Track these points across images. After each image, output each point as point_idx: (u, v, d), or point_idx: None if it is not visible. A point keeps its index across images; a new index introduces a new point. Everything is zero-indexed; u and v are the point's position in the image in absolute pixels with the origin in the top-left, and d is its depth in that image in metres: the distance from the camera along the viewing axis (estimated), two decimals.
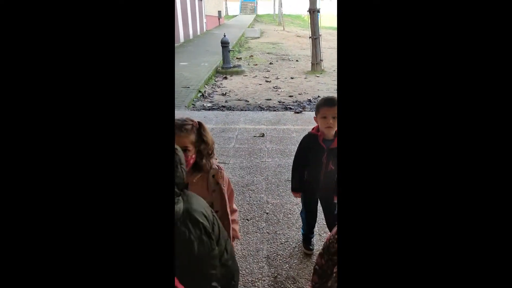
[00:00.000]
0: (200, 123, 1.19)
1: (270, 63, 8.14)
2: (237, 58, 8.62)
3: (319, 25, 7.24)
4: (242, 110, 4.69)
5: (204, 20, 14.90)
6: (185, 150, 1.08)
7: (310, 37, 7.33)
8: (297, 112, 4.44)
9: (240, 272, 1.75)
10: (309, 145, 1.63)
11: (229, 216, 1.30)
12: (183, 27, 11.46)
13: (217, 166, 1.26)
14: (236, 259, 1.84)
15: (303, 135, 1.72)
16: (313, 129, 1.65)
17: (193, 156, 1.14)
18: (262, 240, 1.99)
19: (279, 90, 5.78)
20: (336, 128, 1.52)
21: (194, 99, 5.22)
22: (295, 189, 1.76)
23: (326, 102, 1.53)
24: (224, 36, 6.88)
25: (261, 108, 4.82)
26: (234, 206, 1.42)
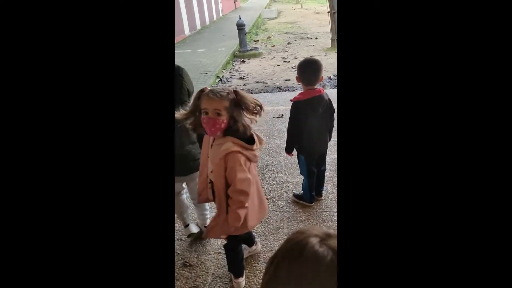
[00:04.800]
0: (236, 91, 1.24)
1: (288, 43, 7.96)
2: (254, 41, 8.50)
3: None
4: (260, 92, 4.66)
5: (220, 5, 14.74)
6: (218, 114, 1.19)
7: (328, 12, 7.06)
8: None
9: (261, 249, 1.78)
10: (301, 111, 1.84)
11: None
12: (199, 14, 11.40)
13: (256, 136, 1.31)
14: (257, 237, 1.87)
15: None
16: (297, 96, 1.86)
17: (225, 121, 1.21)
18: (283, 219, 2.01)
19: None
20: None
21: (212, 85, 5.24)
22: (289, 151, 1.99)
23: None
24: (240, 18, 6.78)
25: (279, 89, 4.76)
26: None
